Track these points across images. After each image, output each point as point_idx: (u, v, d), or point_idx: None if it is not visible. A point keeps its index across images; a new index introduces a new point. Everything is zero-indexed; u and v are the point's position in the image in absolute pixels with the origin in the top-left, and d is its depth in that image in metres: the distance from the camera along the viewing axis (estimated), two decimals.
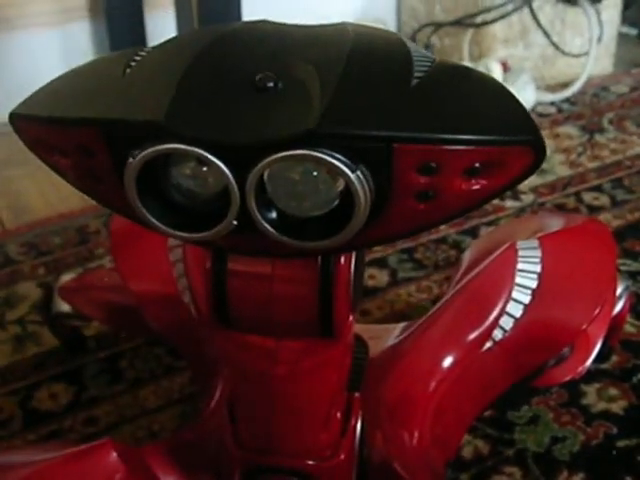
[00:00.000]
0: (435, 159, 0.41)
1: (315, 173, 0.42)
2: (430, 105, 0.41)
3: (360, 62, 0.44)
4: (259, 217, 0.42)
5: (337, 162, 0.39)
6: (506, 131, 0.42)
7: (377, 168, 0.41)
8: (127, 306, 0.86)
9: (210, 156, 0.40)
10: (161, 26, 1.67)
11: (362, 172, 0.40)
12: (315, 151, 0.39)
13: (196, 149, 0.40)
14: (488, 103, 0.43)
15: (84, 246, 1.30)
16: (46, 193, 1.43)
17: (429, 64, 0.44)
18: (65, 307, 0.98)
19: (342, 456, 0.60)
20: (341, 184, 0.42)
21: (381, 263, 1.21)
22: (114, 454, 0.62)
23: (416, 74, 0.43)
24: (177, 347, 0.88)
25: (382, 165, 0.41)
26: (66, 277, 1.01)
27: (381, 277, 1.19)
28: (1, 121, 1.71)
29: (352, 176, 0.40)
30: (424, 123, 0.40)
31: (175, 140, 0.40)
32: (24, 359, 1.05)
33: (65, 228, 1.34)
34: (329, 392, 0.57)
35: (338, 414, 0.59)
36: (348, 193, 0.41)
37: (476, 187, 0.42)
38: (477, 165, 0.42)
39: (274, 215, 0.43)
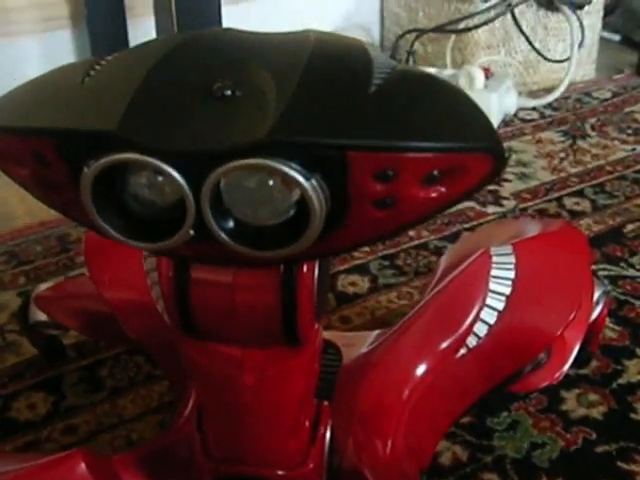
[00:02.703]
0: (391, 166, 0.40)
1: (271, 182, 0.42)
2: (387, 112, 0.41)
3: (318, 70, 0.43)
4: (215, 226, 0.42)
5: (291, 171, 0.39)
6: (464, 138, 0.42)
7: (332, 176, 0.40)
8: (103, 314, 0.85)
9: (164, 165, 0.40)
10: (142, 34, 1.67)
11: (317, 181, 0.40)
12: (269, 160, 0.39)
13: (149, 158, 0.40)
14: (447, 110, 0.43)
15: (65, 255, 1.29)
16: (27, 201, 1.42)
17: (390, 71, 0.44)
18: (42, 316, 0.97)
19: (311, 465, 0.60)
20: (297, 193, 0.41)
21: (362, 269, 1.21)
22: (83, 465, 0.61)
23: (375, 81, 0.43)
24: (153, 355, 0.87)
25: (337, 173, 0.40)
26: (43, 286, 1.01)
27: (362, 283, 1.19)
28: None
29: (307, 185, 0.40)
30: (379, 130, 0.40)
31: (128, 149, 0.40)
32: (3, 369, 1.04)
33: (46, 236, 1.34)
34: (297, 400, 0.57)
35: (307, 422, 0.59)
36: (304, 201, 0.41)
37: (435, 194, 0.42)
38: (435, 172, 0.41)
39: (231, 224, 0.43)
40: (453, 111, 0.43)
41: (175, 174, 0.40)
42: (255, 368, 0.53)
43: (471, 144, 0.41)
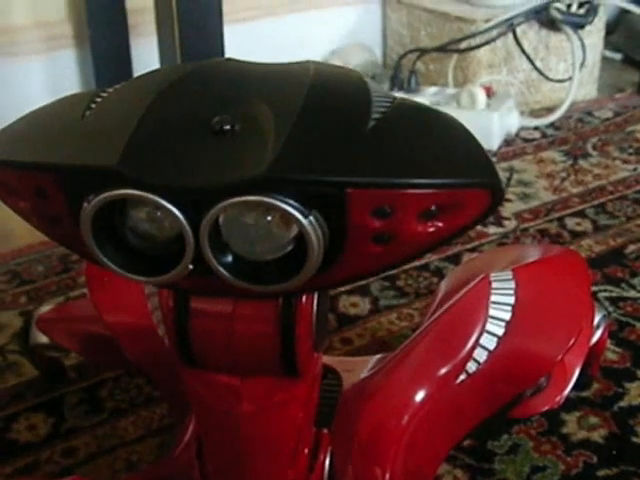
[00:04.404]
0: (389, 203, 0.41)
1: (269, 218, 0.42)
2: (384, 149, 0.41)
3: (317, 104, 0.44)
4: (214, 261, 0.42)
5: (289, 208, 0.40)
6: (462, 174, 0.42)
7: (330, 213, 0.41)
8: (104, 338, 0.86)
9: (163, 201, 0.40)
10: (145, 52, 1.68)
11: (315, 217, 0.40)
12: (267, 197, 0.40)
13: (149, 195, 0.40)
14: (445, 145, 0.43)
15: (67, 274, 1.29)
16: None
17: (388, 105, 0.45)
18: (43, 338, 0.98)
19: None
20: (295, 228, 0.42)
21: (363, 291, 1.21)
22: None
23: (374, 115, 0.43)
24: (153, 379, 0.87)
25: (335, 210, 0.41)
26: (45, 308, 1.01)
27: (363, 305, 1.19)
28: None
29: (304, 222, 0.40)
30: (377, 167, 0.41)
31: (128, 185, 0.41)
32: (4, 389, 1.05)
33: (47, 256, 1.34)
34: (295, 429, 0.57)
35: (305, 450, 0.59)
36: (302, 238, 0.41)
37: (432, 229, 0.42)
38: (433, 208, 0.42)
39: (229, 259, 0.43)
40: (451, 146, 0.43)
41: (174, 210, 0.41)
42: (253, 398, 0.53)
43: (469, 180, 0.42)
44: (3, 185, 0.47)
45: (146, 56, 1.67)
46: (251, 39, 1.79)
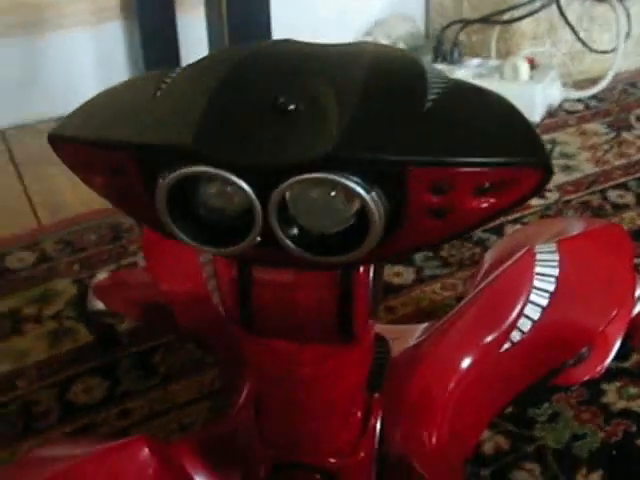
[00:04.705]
0: (447, 180, 0.43)
1: (333, 193, 0.44)
2: (441, 129, 0.44)
3: (377, 85, 0.46)
4: (281, 234, 0.45)
5: (353, 185, 0.42)
6: (515, 153, 0.44)
7: (391, 189, 0.43)
8: (159, 305, 0.89)
9: (234, 178, 0.43)
10: (192, 27, 1.70)
11: (377, 193, 0.43)
12: (332, 174, 0.42)
13: (221, 172, 0.43)
14: (498, 125, 0.45)
15: (118, 243, 1.33)
16: (80, 190, 1.46)
17: (443, 85, 0.47)
18: (99, 305, 1.01)
19: (362, 454, 0.62)
20: (358, 203, 0.44)
21: (407, 261, 1.24)
22: (146, 450, 0.64)
23: (430, 96, 0.46)
24: (206, 345, 0.90)
25: (396, 187, 0.43)
26: (100, 276, 1.05)
27: (407, 275, 1.21)
28: (36, 118, 1.75)
29: (367, 197, 0.42)
30: (436, 147, 0.43)
31: (201, 163, 0.43)
32: (60, 354, 1.09)
33: (99, 225, 1.38)
34: (349, 393, 0.59)
35: (358, 414, 0.62)
36: (364, 212, 0.43)
37: (485, 205, 0.45)
38: (487, 185, 0.44)
39: (295, 231, 0.45)
40: (504, 126, 0.45)
41: (245, 186, 0.43)
42: (311, 363, 0.56)
43: (521, 159, 0.44)
44: (79, 161, 0.49)
45: (193, 30, 1.69)
46: (295, 12, 1.81)
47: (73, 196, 1.47)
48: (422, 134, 0.43)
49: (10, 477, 0.68)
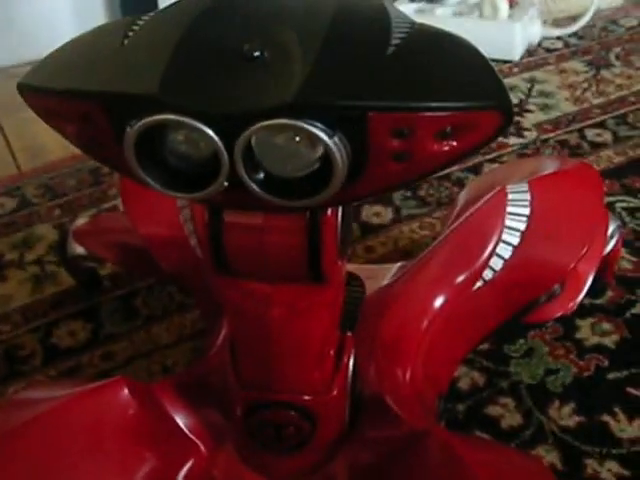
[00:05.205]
0: (407, 125, 0.44)
1: (297, 139, 0.45)
2: (403, 73, 0.44)
3: (340, 31, 0.46)
4: (247, 179, 0.46)
5: (316, 130, 0.43)
6: (475, 97, 0.45)
7: (353, 135, 0.44)
8: (138, 248, 0.90)
9: (200, 125, 0.44)
10: None
11: (339, 138, 0.44)
12: (295, 120, 0.43)
13: (187, 119, 0.44)
14: (460, 69, 0.46)
15: (98, 187, 1.33)
16: (59, 135, 1.46)
17: (408, 30, 0.47)
18: (80, 249, 1.02)
19: (335, 391, 0.64)
20: (321, 149, 0.45)
21: (386, 200, 1.25)
22: (126, 391, 0.66)
23: (394, 41, 0.46)
24: (185, 287, 0.92)
25: (358, 132, 0.44)
26: (80, 220, 1.05)
27: (385, 214, 1.22)
28: (17, 63, 1.72)
29: (330, 142, 0.43)
30: (397, 92, 0.44)
31: (168, 111, 0.44)
32: (43, 298, 1.10)
33: (79, 170, 1.38)
34: (322, 332, 0.61)
35: (331, 352, 0.63)
36: (328, 156, 0.44)
37: (447, 148, 0.46)
38: (448, 129, 0.45)
39: (261, 176, 0.47)
40: (466, 70, 0.46)
41: (211, 133, 0.44)
42: (283, 303, 0.57)
43: (482, 102, 0.45)
44: (48, 110, 0.50)
45: None
46: None
47: (52, 141, 1.47)
48: (383, 79, 0.44)
49: None
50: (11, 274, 1.14)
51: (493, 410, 0.89)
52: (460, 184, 1.27)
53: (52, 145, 1.46)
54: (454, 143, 0.46)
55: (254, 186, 0.46)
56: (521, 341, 0.97)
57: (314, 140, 0.44)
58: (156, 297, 1.08)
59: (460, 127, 0.45)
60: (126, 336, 1.03)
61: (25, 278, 1.13)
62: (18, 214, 1.27)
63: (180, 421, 0.71)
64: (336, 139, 0.44)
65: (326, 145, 0.44)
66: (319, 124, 0.43)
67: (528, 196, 0.81)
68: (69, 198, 1.31)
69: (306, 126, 0.43)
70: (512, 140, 1.40)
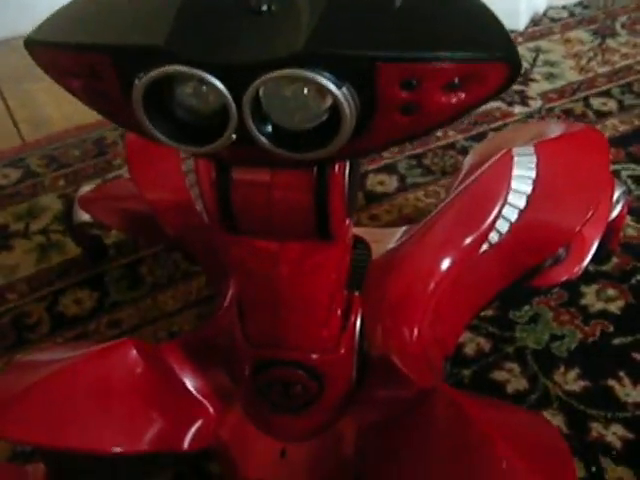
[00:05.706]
0: (415, 76, 0.44)
1: (305, 90, 0.45)
2: (412, 25, 0.44)
3: None
4: (255, 131, 0.46)
5: (324, 80, 0.43)
6: (482, 48, 0.45)
7: (361, 85, 0.44)
8: (144, 214, 0.90)
9: (208, 76, 0.44)
10: None
11: (348, 89, 0.44)
12: (304, 71, 0.43)
13: (195, 70, 0.44)
14: (468, 21, 0.46)
15: (102, 157, 1.34)
16: (64, 106, 1.46)
17: None
18: (85, 217, 1.02)
19: (342, 350, 0.64)
20: (329, 100, 0.45)
21: (390, 169, 1.25)
22: (134, 351, 0.67)
23: None
24: (191, 252, 0.92)
25: (366, 83, 0.44)
26: (85, 188, 1.05)
27: (390, 182, 1.22)
28: (18, 35, 1.72)
29: (338, 93, 0.43)
30: (405, 42, 0.44)
31: (176, 63, 0.44)
32: (49, 267, 1.10)
33: (83, 140, 1.38)
34: (329, 291, 0.61)
35: (338, 311, 0.64)
36: (336, 108, 0.44)
37: (455, 100, 0.45)
38: (456, 80, 0.45)
39: (269, 129, 0.47)
40: (473, 22, 0.46)
41: (219, 84, 0.44)
42: (290, 261, 0.57)
43: (489, 54, 0.45)
44: (56, 66, 0.50)
45: None
46: None
47: (56, 112, 1.47)
48: (392, 30, 0.44)
49: (2, 382, 0.70)
50: (17, 244, 1.15)
51: (499, 375, 0.90)
52: (465, 153, 1.27)
53: (55, 116, 1.46)
54: (462, 95, 0.45)
55: (262, 139, 0.46)
56: (526, 307, 0.98)
57: (322, 91, 0.44)
58: (161, 265, 1.09)
59: (468, 78, 0.45)
60: (132, 304, 1.03)
61: (30, 248, 1.14)
62: (22, 184, 1.28)
63: (188, 382, 0.72)
64: (344, 90, 0.44)
65: (335, 96, 0.44)
66: (328, 74, 0.43)
67: (534, 159, 0.81)
68: (73, 168, 1.31)
69: (315, 76, 0.43)
70: (517, 109, 1.40)
